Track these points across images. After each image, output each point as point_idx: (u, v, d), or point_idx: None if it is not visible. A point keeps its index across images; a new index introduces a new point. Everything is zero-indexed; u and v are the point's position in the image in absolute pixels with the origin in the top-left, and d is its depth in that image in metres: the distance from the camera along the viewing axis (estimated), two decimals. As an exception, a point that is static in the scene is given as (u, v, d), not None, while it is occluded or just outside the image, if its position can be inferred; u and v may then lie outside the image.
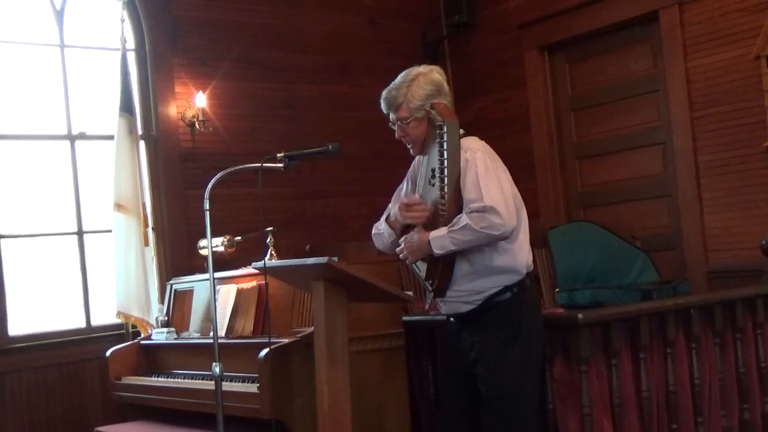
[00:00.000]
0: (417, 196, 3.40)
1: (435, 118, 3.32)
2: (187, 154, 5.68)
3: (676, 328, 3.87)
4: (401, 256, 3.38)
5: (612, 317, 3.71)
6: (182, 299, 4.87)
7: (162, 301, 5.09)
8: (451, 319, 3.50)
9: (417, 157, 3.55)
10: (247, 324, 4.14)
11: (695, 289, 5.08)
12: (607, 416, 3.66)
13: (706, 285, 5.29)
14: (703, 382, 3.96)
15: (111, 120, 5.28)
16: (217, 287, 4.27)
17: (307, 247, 5.64)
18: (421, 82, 3.38)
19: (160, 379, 4.55)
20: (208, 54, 5.82)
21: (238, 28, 5.95)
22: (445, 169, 3.23)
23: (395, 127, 3.44)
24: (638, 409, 3.76)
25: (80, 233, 5.36)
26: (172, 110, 5.67)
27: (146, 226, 5.25)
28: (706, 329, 4.00)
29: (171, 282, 5.06)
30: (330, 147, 3.48)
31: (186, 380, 4.35)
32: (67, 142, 5.40)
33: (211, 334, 3.53)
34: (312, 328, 3.45)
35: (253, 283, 4.22)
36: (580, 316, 3.56)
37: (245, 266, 4.42)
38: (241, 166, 3.58)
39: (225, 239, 5.00)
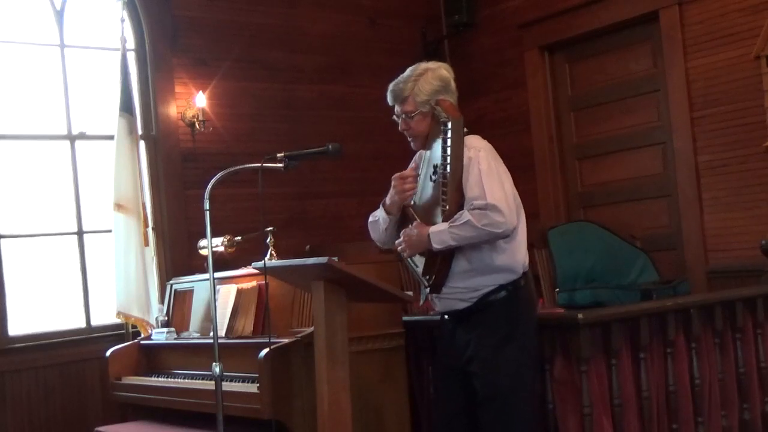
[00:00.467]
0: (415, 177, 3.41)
1: (440, 114, 3.35)
2: (187, 154, 5.68)
3: (676, 328, 3.87)
4: (399, 249, 3.39)
5: (612, 317, 3.70)
6: (182, 299, 4.87)
7: (162, 301, 5.09)
8: (446, 316, 3.51)
9: (418, 153, 3.56)
10: (247, 324, 4.14)
11: (695, 289, 5.09)
12: (607, 416, 3.66)
13: (706, 285, 5.29)
14: (703, 382, 3.96)
15: (111, 120, 5.28)
16: (217, 287, 4.27)
17: (307, 247, 5.64)
18: (429, 78, 3.40)
19: (160, 379, 4.55)
20: (208, 54, 5.82)
21: (238, 28, 5.95)
22: (448, 166, 3.25)
23: (399, 120, 3.45)
24: (638, 409, 3.76)
25: (80, 233, 5.36)
26: (172, 110, 5.67)
27: (146, 226, 5.25)
28: (706, 329, 4.00)
29: (171, 282, 5.06)
30: (330, 147, 3.49)
31: (186, 380, 4.35)
32: (67, 142, 5.40)
33: (211, 334, 3.53)
34: (312, 328, 3.45)
35: (253, 283, 4.22)
36: (580, 316, 3.56)
37: (245, 266, 4.42)
38: (241, 166, 3.58)
39: (225, 239, 5.00)
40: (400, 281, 4.48)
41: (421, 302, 3.63)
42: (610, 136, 5.99)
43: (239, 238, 5.01)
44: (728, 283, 4.95)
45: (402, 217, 3.48)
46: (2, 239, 5.08)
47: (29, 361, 5.03)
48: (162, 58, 5.65)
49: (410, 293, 3.47)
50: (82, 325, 5.33)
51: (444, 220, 3.26)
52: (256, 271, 4.07)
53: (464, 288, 3.35)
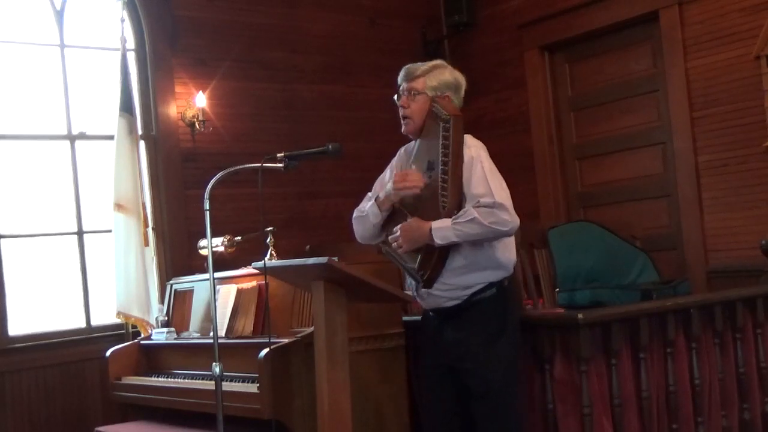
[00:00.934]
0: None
1: (440, 111, 3.38)
2: (187, 154, 5.68)
3: (676, 328, 3.87)
4: (395, 243, 3.40)
5: (612, 317, 3.71)
6: (182, 299, 4.86)
7: (162, 301, 5.09)
8: (431, 313, 3.54)
9: (403, 149, 3.64)
10: (247, 324, 4.14)
11: (695, 289, 5.08)
12: (607, 416, 3.66)
13: (706, 285, 5.29)
14: (703, 382, 3.96)
15: (111, 120, 5.28)
16: (217, 287, 4.27)
17: (307, 247, 5.64)
18: (447, 72, 3.52)
19: (160, 379, 4.55)
20: (208, 54, 5.82)
21: (238, 28, 5.95)
22: (449, 162, 3.28)
23: (402, 96, 3.49)
24: (638, 409, 3.76)
25: (80, 233, 5.36)
26: (172, 110, 5.67)
27: (146, 226, 5.25)
28: (706, 329, 4.00)
29: (171, 282, 5.06)
30: (330, 147, 3.49)
31: (186, 380, 4.35)
32: (67, 142, 5.40)
33: (211, 334, 3.53)
34: (312, 328, 3.45)
35: (253, 283, 4.22)
36: (580, 316, 3.56)
37: (245, 266, 4.42)
38: (241, 166, 3.58)
39: (225, 239, 5.00)
40: (400, 281, 4.48)
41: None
42: (610, 136, 5.99)
43: (239, 238, 5.01)
44: (728, 283, 4.95)
45: (390, 213, 3.50)
46: (2, 239, 5.08)
47: (29, 361, 5.03)
48: (162, 58, 5.65)
49: (410, 293, 3.47)
50: (82, 325, 5.33)
51: (445, 216, 3.28)
52: (256, 271, 4.06)
53: (455, 285, 3.39)
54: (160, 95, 5.63)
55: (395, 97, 3.53)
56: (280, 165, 3.47)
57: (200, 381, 4.21)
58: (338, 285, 3.31)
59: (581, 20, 5.98)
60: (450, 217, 3.28)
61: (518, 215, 3.36)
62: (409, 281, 3.55)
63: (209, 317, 4.30)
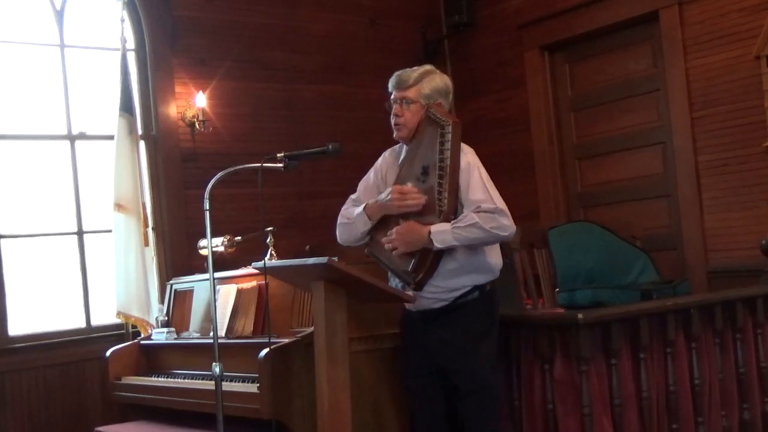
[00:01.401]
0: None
1: (437, 117, 3.44)
2: (187, 154, 5.68)
3: (676, 328, 3.87)
4: (389, 245, 3.42)
5: (612, 317, 3.71)
6: (182, 299, 4.86)
7: (162, 301, 5.09)
8: (416, 315, 3.58)
9: (388, 152, 3.70)
10: (247, 324, 4.14)
11: (695, 289, 5.09)
12: (607, 416, 3.66)
13: (706, 285, 5.29)
14: (703, 382, 3.96)
15: (111, 120, 5.28)
16: (217, 287, 4.27)
17: (307, 247, 5.64)
18: (437, 78, 3.56)
19: (160, 379, 4.55)
20: (208, 54, 5.82)
21: (238, 28, 5.95)
22: (447, 167, 3.33)
23: (394, 105, 3.53)
24: (638, 409, 3.76)
25: (80, 233, 5.36)
26: (172, 110, 5.67)
27: (146, 226, 5.25)
28: (706, 329, 4.00)
29: (171, 282, 5.06)
30: (330, 147, 3.50)
31: (186, 380, 4.35)
32: (67, 142, 5.40)
33: (211, 334, 3.53)
34: (312, 328, 3.45)
35: (253, 283, 4.22)
36: (580, 316, 3.56)
37: (245, 266, 4.42)
38: (241, 166, 3.58)
39: (225, 239, 5.00)
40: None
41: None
42: (610, 136, 5.99)
43: (239, 238, 5.02)
44: (728, 283, 4.95)
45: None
46: (2, 239, 5.08)
47: (29, 361, 5.02)
48: (162, 58, 5.65)
49: (410, 293, 3.47)
50: (82, 325, 5.33)
51: (442, 220, 3.33)
52: (256, 271, 4.07)
53: (444, 288, 3.46)
54: (160, 95, 5.63)
55: (386, 104, 3.57)
56: (280, 165, 3.47)
57: (200, 381, 4.21)
58: (338, 285, 3.31)
59: (581, 20, 5.98)
60: (446, 222, 3.33)
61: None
62: (395, 282, 3.56)
63: (209, 317, 4.30)
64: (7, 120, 5.24)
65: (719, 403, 4.01)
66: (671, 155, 5.60)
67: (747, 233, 5.10)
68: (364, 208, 3.52)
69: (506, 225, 3.34)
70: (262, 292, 4.10)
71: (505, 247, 3.86)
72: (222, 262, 4.82)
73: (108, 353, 4.79)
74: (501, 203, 3.37)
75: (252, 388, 3.75)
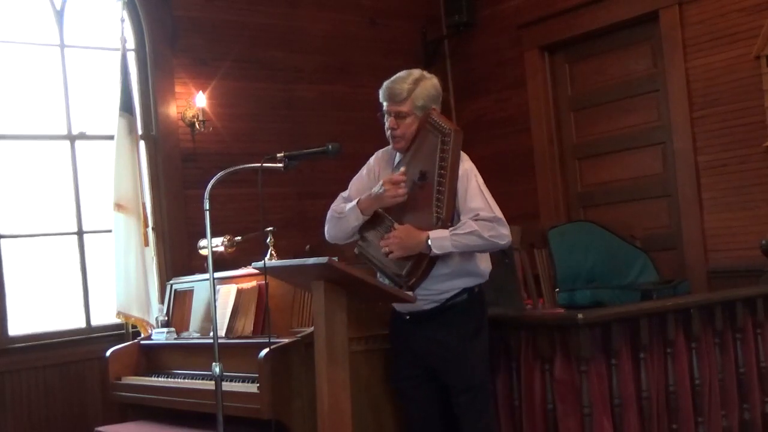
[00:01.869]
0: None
1: (439, 124, 3.44)
2: (187, 154, 5.68)
3: (676, 328, 3.87)
4: (385, 249, 3.43)
5: (612, 317, 3.71)
6: (182, 299, 4.86)
7: (162, 301, 5.09)
8: (407, 317, 3.59)
9: (381, 152, 3.71)
10: (247, 324, 4.14)
11: (695, 289, 5.09)
12: (607, 416, 3.66)
13: (706, 285, 5.29)
14: (703, 382, 3.96)
15: (111, 120, 5.27)
16: (217, 287, 4.27)
17: (307, 247, 5.64)
18: (428, 85, 3.52)
19: (160, 379, 4.55)
20: (208, 54, 5.82)
21: (238, 28, 5.95)
22: (446, 175, 3.35)
23: (388, 118, 3.52)
24: (638, 409, 3.76)
25: (80, 233, 5.36)
26: (172, 110, 5.67)
27: (146, 226, 5.25)
28: (706, 329, 4.00)
29: (171, 282, 5.06)
30: (330, 147, 3.50)
31: (186, 380, 4.35)
32: (67, 142, 5.40)
33: (211, 334, 3.53)
34: (312, 328, 3.45)
35: (253, 283, 4.22)
36: (580, 316, 3.56)
37: (245, 266, 4.42)
38: (241, 166, 3.58)
39: (225, 239, 5.00)
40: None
41: None
42: (610, 136, 5.99)
43: (239, 238, 5.01)
44: (728, 283, 4.95)
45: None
46: (2, 239, 5.08)
47: (29, 361, 5.02)
48: (162, 58, 5.65)
49: (410, 293, 3.48)
50: (82, 325, 5.33)
51: (440, 226, 3.35)
52: (256, 271, 4.06)
53: (435, 290, 3.49)
54: (160, 95, 5.63)
55: (379, 114, 3.56)
56: (280, 165, 3.47)
57: (200, 381, 4.21)
58: (338, 285, 3.31)
59: (581, 20, 5.98)
60: (443, 228, 3.34)
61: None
62: (384, 282, 3.56)
63: (209, 317, 4.30)
64: (7, 120, 5.24)
65: (719, 403, 4.01)
66: (671, 155, 5.60)
67: (747, 233, 5.10)
68: (357, 203, 3.52)
69: (504, 234, 3.38)
70: (262, 292, 4.10)
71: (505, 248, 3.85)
72: (222, 262, 4.81)
73: (108, 353, 4.79)
74: (498, 212, 3.40)
75: (252, 388, 3.75)
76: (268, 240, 4.59)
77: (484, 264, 3.57)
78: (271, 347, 3.65)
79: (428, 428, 3.67)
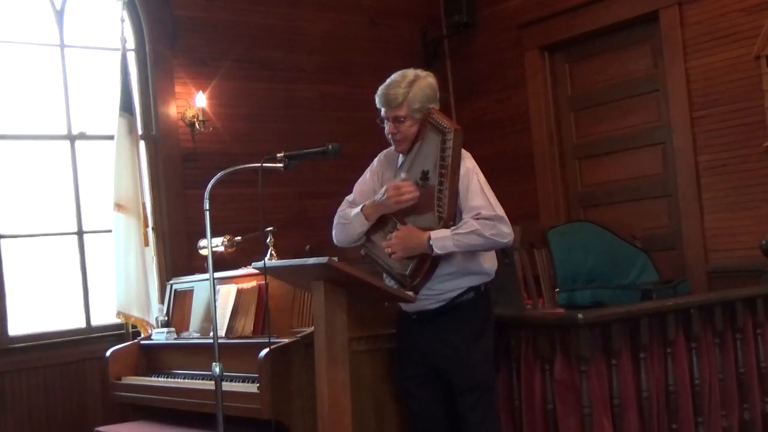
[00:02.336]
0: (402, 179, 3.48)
1: (439, 123, 3.43)
2: (187, 154, 5.68)
3: (676, 328, 3.87)
4: (388, 249, 3.45)
5: (612, 317, 3.71)
6: (182, 299, 4.86)
7: (162, 301, 5.08)
8: (413, 316, 3.59)
9: (383, 154, 3.71)
10: (247, 324, 4.14)
11: (695, 289, 5.09)
12: (607, 416, 3.66)
13: (706, 285, 5.29)
14: (703, 382, 3.96)
15: (111, 120, 5.27)
16: (217, 287, 4.27)
17: (307, 247, 5.64)
18: (423, 85, 3.50)
19: (160, 379, 4.55)
20: (208, 54, 5.82)
21: (238, 28, 5.95)
22: (447, 174, 3.35)
23: (387, 123, 3.52)
24: (638, 409, 3.76)
25: (80, 233, 5.36)
26: (172, 110, 5.67)
27: (146, 226, 5.25)
28: (706, 329, 4.01)
29: (171, 282, 5.06)
30: (330, 147, 3.50)
31: (186, 380, 4.35)
32: (67, 142, 5.40)
33: (211, 334, 3.53)
34: (312, 328, 3.45)
35: (253, 283, 4.22)
36: (580, 316, 3.56)
37: (245, 266, 4.42)
38: (241, 166, 3.58)
39: (225, 239, 5.00)
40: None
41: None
42: (610, 136, 5.99)
43: (239, 238, 5.01)
44: (728, 283, 4.96)
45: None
46: (2, 239, 5.08)
47: (29, 361, 5.02)
48: (162, 58, 5.65)
49: (410, 293, 3.48)
50: (82, 325, 5.33)
51: (440, 227, 3.35)
52: (256, 271, 4.06)
53: (440, 290, 3.49)
54: (160, 95, 5.63)
55: (378, 119, 3.56)
56: (280, 165, 3.47)
57: (200, 381, 4.21)
58: (338, 285, 3.31)
59: (581, 20, 5.98)
60: (446, 228, 3.35)
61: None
62: (391, 282, 3.56)
63: (209, 317, 4.30)
64: (7, 120, 5.24)
65: (719, 403, 4.01)
66: (671, 155, 5.60)
67: (747, 233, 5.10)
68: (362, 209, 3.53)
69: (506, 232, 3.37)
70: (262, 292, 4.10)
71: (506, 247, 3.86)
72: (222, 262, 4.81)
73: (108, 353, 4.78)
74: (500, 210, 3.38)
75: (252, 388, 3.75)
76: (268, 240, 4.59)
77: (489, 262, 3.56)
78: (271, 347, 3.65)
79: (432, 428, 3.67)
